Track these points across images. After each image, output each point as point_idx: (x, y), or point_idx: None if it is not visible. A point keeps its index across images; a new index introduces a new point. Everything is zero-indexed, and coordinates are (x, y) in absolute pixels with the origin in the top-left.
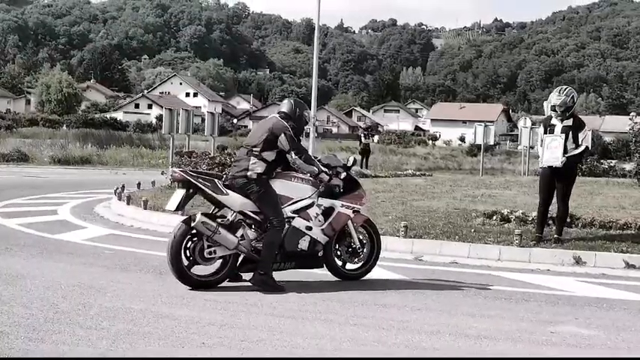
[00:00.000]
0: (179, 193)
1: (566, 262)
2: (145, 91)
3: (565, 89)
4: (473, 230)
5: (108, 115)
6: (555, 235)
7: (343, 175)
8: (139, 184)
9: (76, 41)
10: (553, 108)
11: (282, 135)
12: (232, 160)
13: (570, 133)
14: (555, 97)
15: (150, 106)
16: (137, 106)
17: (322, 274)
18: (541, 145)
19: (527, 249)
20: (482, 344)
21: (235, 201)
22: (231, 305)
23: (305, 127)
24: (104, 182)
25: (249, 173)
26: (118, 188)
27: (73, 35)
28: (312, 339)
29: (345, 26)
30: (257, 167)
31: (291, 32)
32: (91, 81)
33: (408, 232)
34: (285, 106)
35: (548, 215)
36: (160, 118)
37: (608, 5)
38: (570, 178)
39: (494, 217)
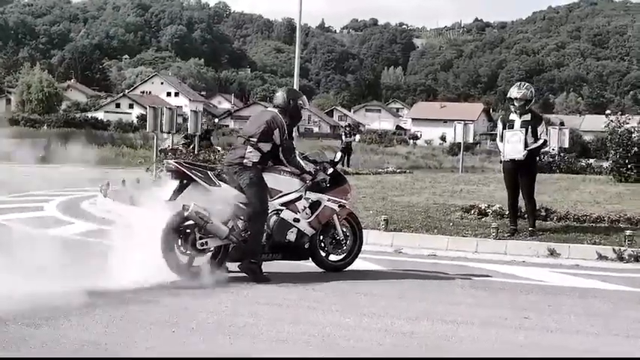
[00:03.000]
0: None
1: (541, 254)
2: (126, 91)
3: (524, 84)
4: (451, 224)
5: (89, 115)
6: (530, 228)
7: (330, 170)
8: (123, 181)
9: (56, 40)
10: (512, 102)
11: (277, 130)
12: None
13: (529, 127)
14: (516, 91)
15: (131, 106)
16: (118, 105)
17: (306, 266)
18: (501, 141)
19: (504, 241)
20: (458, 329)
21: (227, 192)
22: (218, 293)
23: (302, 114)
24: (88, 180)
25: (244, 161)
26: (103, 185)
27: (54, 35)
28: (296, 324)
29: (326, 26)
30: (253, 156)
31: (272, 32)
32: (72, 80)
33: (389, 225)
34: (279, 99)
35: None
36: (141, 117)
37: (588, 5)
38: (532, 171)
39: (472, 212)
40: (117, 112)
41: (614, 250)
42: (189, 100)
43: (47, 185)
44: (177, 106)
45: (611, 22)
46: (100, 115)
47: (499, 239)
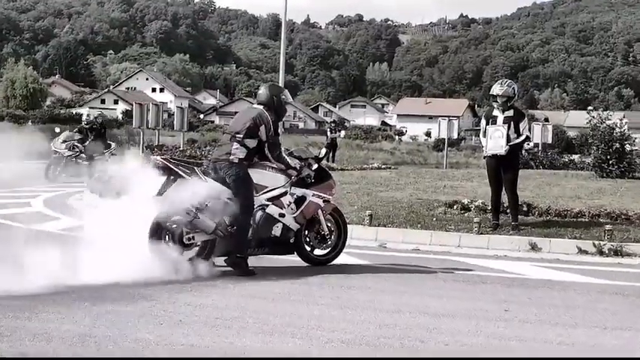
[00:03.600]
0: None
1: (522, 248)
2: (111, 87)
3: (506, 81)
4: (435, 219)
5: (74, 111)
6: (512, 223)
7: (315, 166)
8: (109, 177)
9: (40, 36)
10: (495, 99)
11: (263, 127)
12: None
13: (512, 123)
14: (498, 88)
15: (116, 102)
16: (103, 101)
17: (291, 260)
18: (484, 136)
19: (486, 236)
20: (440, 321)
21: (214, 188)
22: (205, 288)
23: (286, 108)
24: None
25: (231, 157)
26: (89, 181)
27: (38, 30)
28: (281, 317)
29: (311, 21)
30: (239, 152)
31: (257, 27)
32: (56, 76)
33: (373, 220)
34: (262, 96)
35: (505, 204)
36: (126, 113)
37: (573, 1)
38: (515, 166)
39: (455, 207)
40: (102, 108)
41: (594, 244)
42: (175, 96)
43: (31, 181)
44: (163, 102)
45: (596, 18)
46: (84, 111)
47: (481, 234)
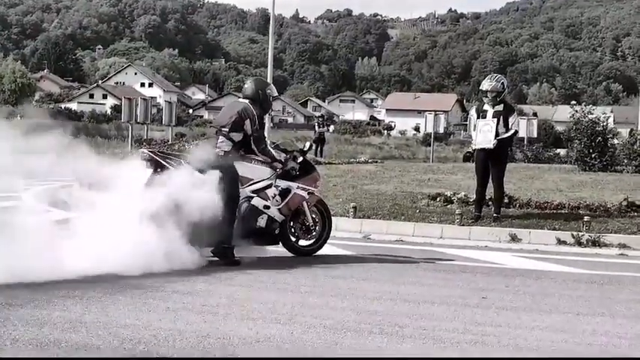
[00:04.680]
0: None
1: (503, 239)
2: (100, 82)
3: (496, 76)
4: (418, 211)
5: (62, 106)
6: (494, 215)
7: (300, 159)
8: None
9: (29, 31)
10: (485, 94)
11: (248, 120)
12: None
13: (501, 117)
14: (487, 84)
15: (105, 97)
16: (92, 96)
17: (276, 251)
18: (474, 130)
19: (467, 227)
20: (419, 307)
21: (200, 179)
22: (191, 276)
23: (272, 102)
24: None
25: (217, 150)
26: (79, 175)
27: (27, 25)
28: (266, 304)
29: (300, 16)
30: (224, 146)
31: (246, 22)
32: (45, 71)
33: (357, 212)
34: (248, 90)
35: (488, 197)
36: (115, 108)
37: None
38: (502, 160)
39: (438, 199)
40: (90, 103)
41: (572, 235)
42: (164, 90)
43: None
44: (151, 97)
45: (584, 13)
46: (73, 105)
47: (463, 225)
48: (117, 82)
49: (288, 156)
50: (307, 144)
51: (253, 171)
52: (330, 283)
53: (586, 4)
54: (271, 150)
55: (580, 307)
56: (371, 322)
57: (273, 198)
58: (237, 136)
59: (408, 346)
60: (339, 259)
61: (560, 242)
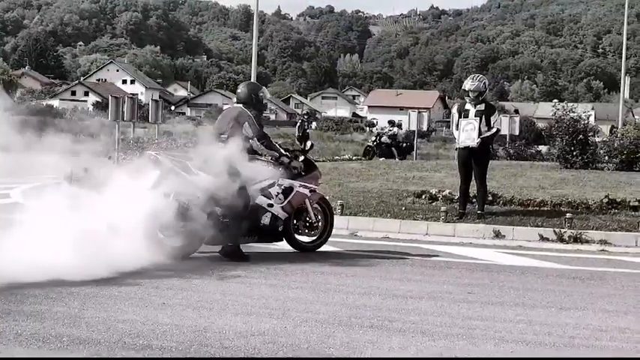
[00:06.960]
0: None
1: (487, 236)
2: (82, 79)
3: (478, 76)
4: (404, 208)
5: (44, 103)
6: (478, 212)
7: (302, 158)
8: (86, 169)
9: (10, 27)
10: (467, 93)
11: (246, 123)
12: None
13: (483, 117)
14: (469, 84)
15: (86, 94)
16: (74, 93)
17: (272, 247)
18: (457, 129)
19: (452, 224)
20: (407, 302)
21: (205, 181)
22: (186, 273)
23: (266, 104)
24: (48, 168)
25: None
26: (67, 173)
27: (7, 21)
28: (259, 299)
29: (282, 13)
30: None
31: (228, 19)
32: (26, 68)
33: (345, 210)
34: (241, 94)
35: (471, 194)
36: (97, 105)
37: None
38: (485, 158)
39: (424, 197)
40: (72, 100)
41: (554, 231)
42: (145, 87)
43: (8, 173)
44: (133, 94)
45: (565, 10)
46: (55, 102)
47: (448, 222)
48: (99, 79)
49: (290, 155)
50: (309, 143)
51: (257, 171)
52: (319, 279)
53: (567, 1)
54: (276, 144)
55: (563, 302)
56: (361, 317)
57: (277, 196)
58: (238, 140)
59: (397, 340)
60: (327, 255)
61: (542, 239)
